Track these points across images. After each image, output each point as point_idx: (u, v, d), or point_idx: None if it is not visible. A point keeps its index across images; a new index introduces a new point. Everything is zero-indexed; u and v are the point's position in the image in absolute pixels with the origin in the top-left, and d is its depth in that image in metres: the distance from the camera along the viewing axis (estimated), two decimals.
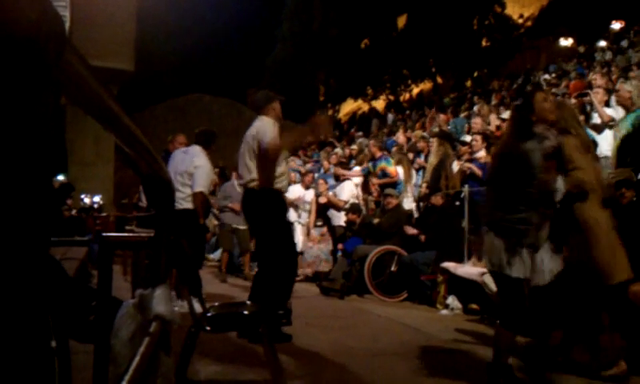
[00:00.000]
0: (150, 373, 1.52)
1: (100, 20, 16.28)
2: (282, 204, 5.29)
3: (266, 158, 5.06)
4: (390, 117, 20.94)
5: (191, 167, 6.63)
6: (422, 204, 9.60)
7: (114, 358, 1.54)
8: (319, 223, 10.33)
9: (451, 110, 17.26)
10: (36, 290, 0.65)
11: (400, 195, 9.32)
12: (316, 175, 12.42)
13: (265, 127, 5.14)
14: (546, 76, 18.17)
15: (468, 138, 9.42)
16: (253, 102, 5.48)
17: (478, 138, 8.84)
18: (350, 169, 10.78)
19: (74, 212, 13.52)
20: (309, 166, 13.53)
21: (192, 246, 7.02)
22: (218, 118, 25.54)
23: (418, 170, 10.35)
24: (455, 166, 8.88)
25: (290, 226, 5.55)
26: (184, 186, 6.60)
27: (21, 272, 0.63)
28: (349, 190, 9.95)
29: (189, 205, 6.60)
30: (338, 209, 9.79)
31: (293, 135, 5.64)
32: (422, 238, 8.09)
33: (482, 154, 8.33)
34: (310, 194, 10.77)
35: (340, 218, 9.81)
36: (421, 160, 10.49)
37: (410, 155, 10.69)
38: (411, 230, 8.25)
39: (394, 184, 9.62)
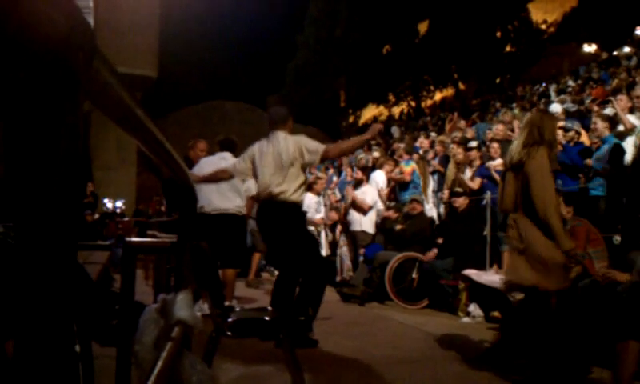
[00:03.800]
0: (172, 377, 1.53)
1: (123, 27, 16.46)
2: (302, 215, 5.37)
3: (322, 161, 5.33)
4: (395, 129, 20.43)
5: None
6: (443, 210, 9.56)
7: (137, 362, 1.55)
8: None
9: (477, 115, 17.16)
10: (61, 294, 0.65)
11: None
12: (334, 178, 12.42)
13: (300, 139, 5.23)
14: (570, 82, 17.99)
15: (474, 144, 9.36)
16: (270, 116, 5.53)
17: (495, 144, 8.81)
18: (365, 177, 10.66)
19: (96, 216, 13.65)
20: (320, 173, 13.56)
21: (242, 250, 7.26)
22: (238, 124, 25.68)
23: (433, 173, 10.32)
24: (468, 173, 8.85)
25: (312, 236, 5.61)
26: (240, 192, 6.71)
27: (47, 276, 0.63)
28: (371, 195, 9.89)
29: (243, 210, 6.79)
30: (364, 212, 9.72)
31: (351, 142, 5.67)
32: (439, 240, 8.03)
33: (499, 161, 8.23)
34: (321, 201, 10.85)
35: (360, 224, 9.73)
36: (435, 163, 10.46)
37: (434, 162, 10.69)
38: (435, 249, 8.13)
39: (406, 184, 9.63)
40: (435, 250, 7.99)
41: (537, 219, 4.26)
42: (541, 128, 4.41)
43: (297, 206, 5.22)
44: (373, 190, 10.03)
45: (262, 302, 7.58)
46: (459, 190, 8.28)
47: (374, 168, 11.03)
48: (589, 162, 7.61)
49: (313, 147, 5.12)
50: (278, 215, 5.23)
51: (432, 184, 10.11)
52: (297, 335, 4.83)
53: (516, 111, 14.41)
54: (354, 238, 9.82)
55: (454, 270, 7.33)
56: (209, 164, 6.84)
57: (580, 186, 7.76)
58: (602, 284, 4.59)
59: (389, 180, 10.21)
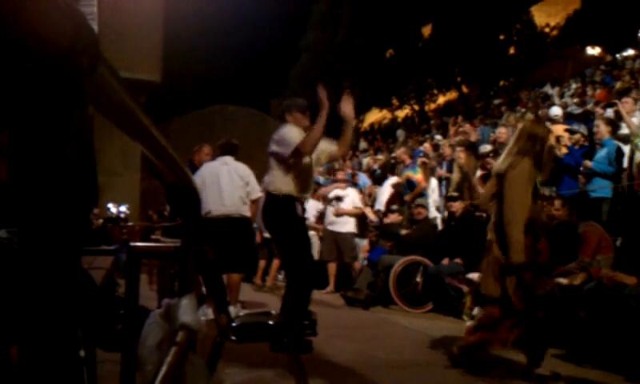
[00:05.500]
0: (176, 382, 1.52)
1: (127, 32, 16.45)
2: (294, 210, 5.20)
3: (296, 157, 5.02)
4: (400, 132, 20.45)
5: (247, 176, 6.72)
6: (446, 214, 9.54)
7: (141, 367, 1.55)
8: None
9: (480, 118, 17.14)
10: (65, 300, 0.65)
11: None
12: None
13: (285, 131, 5.17)
14: (574, 85, 17.97)
15: (489, 148, 9.33)
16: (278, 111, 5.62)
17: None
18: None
19: (100, 221, 13.65)
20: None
21: (250, 252, 7.27)
22: (242, 129, 25.61)
23: (440, 180, 10.27)
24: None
25: (306, 235, 5.44)
26: (244, 195, 6.71)
27: (51, 282, 0.63)
28: (351, 200, 9.82)
29: (248, 213, 6.78)
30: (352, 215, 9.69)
31: (316, 128, 5.11)
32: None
33: None
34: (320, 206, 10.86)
35: (344, 225, 9.65)
36: (442, 171, 10.42)
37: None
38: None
39: (422, 193, 9.60)
40: (447, 260, 7.93)
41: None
42: (530, 138, 4.39)
43: (278, 198, 5.08)
44: (354, 193, 9.97)
45: (269, 306, 7.57)
46: (454, 194, 8.28)
47: (383, 170, 11.03)
48: (586, 163, 7.55)
49: (286, 137, 5.06)
50: (265, 207, 5.27)
51: (435, 189, 10.06)
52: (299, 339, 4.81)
53: (520, 115, 14.40)
54: (336, 239, 9.76)
55: (459, 273, 7.31)
56: (210, 168, 6.85)
57: (580, 188, 7.71)
58: (609, 286, 4.58)
59: (396, 189, 10.11)
